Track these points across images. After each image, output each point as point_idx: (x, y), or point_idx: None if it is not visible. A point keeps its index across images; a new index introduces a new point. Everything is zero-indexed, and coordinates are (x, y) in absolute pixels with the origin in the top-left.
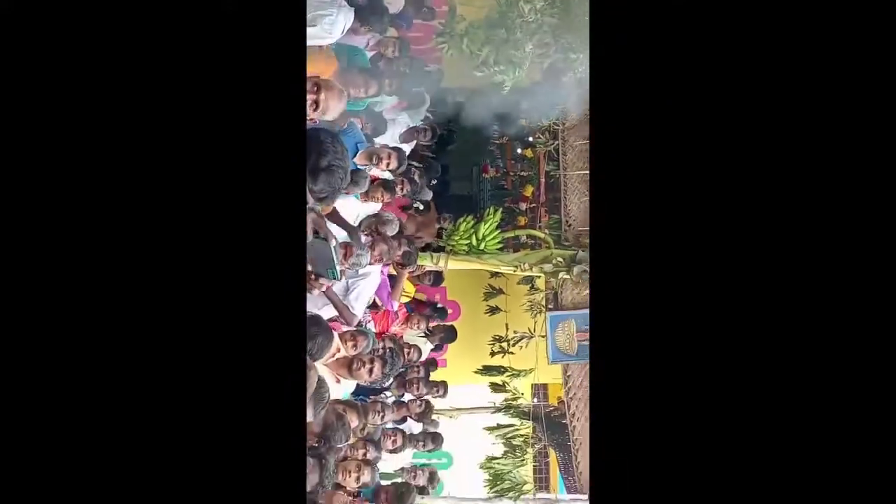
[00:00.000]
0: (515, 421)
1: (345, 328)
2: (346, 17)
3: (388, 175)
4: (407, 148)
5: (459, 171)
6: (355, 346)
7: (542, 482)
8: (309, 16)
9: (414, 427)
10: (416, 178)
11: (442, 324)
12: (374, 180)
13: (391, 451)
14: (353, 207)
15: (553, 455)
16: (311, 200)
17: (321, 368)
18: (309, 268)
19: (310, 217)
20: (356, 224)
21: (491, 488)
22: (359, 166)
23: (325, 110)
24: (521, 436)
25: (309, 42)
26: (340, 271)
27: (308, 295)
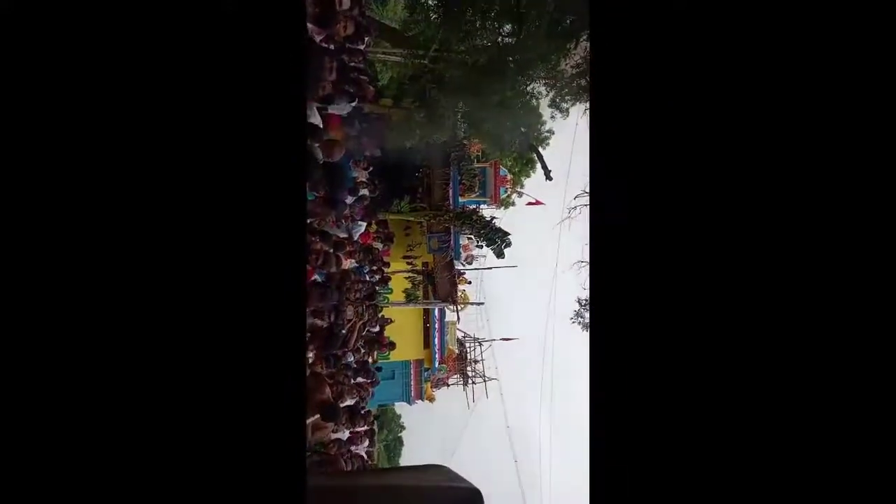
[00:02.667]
0: (416, 276)
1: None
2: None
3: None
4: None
5: (395, 185)
6: (352, 252)
7: (426, 298)
8: (345, 109)
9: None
10: (375, 182)
11: (387, 240)
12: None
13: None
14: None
15: (430, 288)
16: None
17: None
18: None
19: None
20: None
21: (406, 299)
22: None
23: (335, 157)
24: (419, 281)
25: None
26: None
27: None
